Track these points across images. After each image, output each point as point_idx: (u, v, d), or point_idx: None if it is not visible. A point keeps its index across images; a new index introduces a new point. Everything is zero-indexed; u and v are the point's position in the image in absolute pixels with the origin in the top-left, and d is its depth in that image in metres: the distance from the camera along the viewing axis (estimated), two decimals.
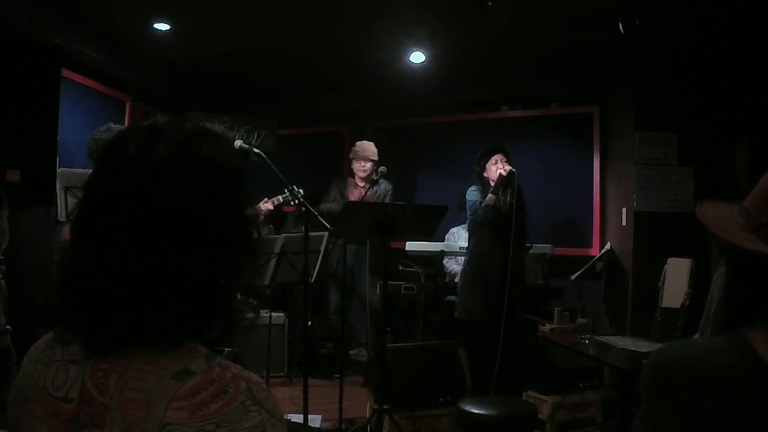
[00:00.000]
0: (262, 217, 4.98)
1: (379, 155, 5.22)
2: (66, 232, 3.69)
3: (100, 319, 0.79)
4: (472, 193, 4.22)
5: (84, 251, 0.81)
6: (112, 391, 0.77)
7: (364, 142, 5.28)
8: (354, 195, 5.17)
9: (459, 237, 5.26)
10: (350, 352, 5.29)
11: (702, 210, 1.04)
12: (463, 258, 4.57)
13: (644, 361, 1.00)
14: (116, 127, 4.02)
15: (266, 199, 4.99)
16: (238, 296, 0.86)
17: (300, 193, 3.86)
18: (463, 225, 5.29)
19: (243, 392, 0.76)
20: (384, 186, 5.16)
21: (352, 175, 5.34)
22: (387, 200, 5.12)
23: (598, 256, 5.11)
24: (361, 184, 5.21)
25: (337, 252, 4.91)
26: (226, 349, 0.85)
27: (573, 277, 4.92)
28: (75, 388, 0.80)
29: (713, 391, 0.87)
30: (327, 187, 5.38)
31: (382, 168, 5.01)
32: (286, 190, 4.60)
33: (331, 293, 5.33)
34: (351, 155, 5.29)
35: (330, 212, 4.81)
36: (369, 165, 5.14)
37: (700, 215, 1.03)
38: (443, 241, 5.24)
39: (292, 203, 4.71)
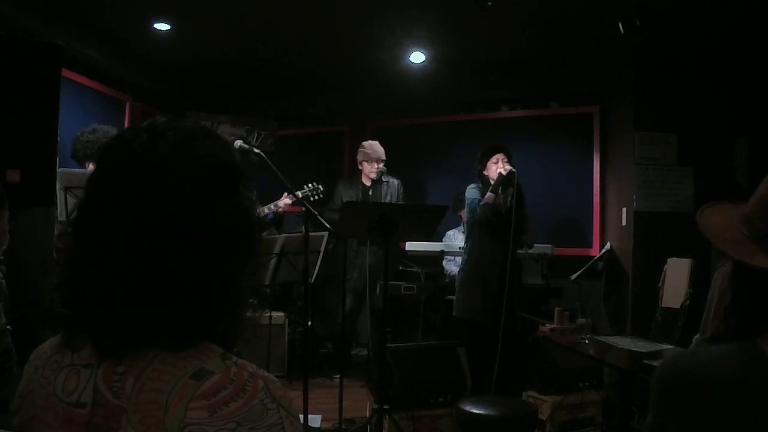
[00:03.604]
0: (281, 211, 4.96)
1: None
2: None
3: (107, 320, 0.79)
4: (471, 191, 4.21)
5: (87, 252, 0.81)
6: (128, 393, 0.77)
7: (373, 142, 5.13)
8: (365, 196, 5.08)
9: (455, 240, 5.24)
10: (350, 352, 5.28)
11: (704, 218, 1.03)
12: (461, 259, 4.56)
13: (645, 362, 1.00)
14: (101, 128, 3.98)
15: (286, 193, 4.94)
16: (242, 295, 0.86)
17: (320, 189, 3.79)
18: (458, 228, 5.27)
19: (261, 390, 0.77)
20: (394, 183, 5.09)
21: (353, 175, 5.28)
22: (401, 196, 5.07)
23: (598, 256, 5.11)
24: (369, 184, 5.13)
25: (353, 255, 4.86)
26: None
27: (573, 277, 4.92)
28: (87, 392, 0.80)
29: (726, 399, 0.86)
30: (331, 192, 5.23)
31: (383, 168, 5.01)
32: (305, 187, 4.57)
33: (346, 296, 5.23)
34: (360, 157, 5.12)
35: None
36: (381, 165, 5.04)
37: (703, 226, 1.02)
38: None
39: (312, 198, 4.72)
